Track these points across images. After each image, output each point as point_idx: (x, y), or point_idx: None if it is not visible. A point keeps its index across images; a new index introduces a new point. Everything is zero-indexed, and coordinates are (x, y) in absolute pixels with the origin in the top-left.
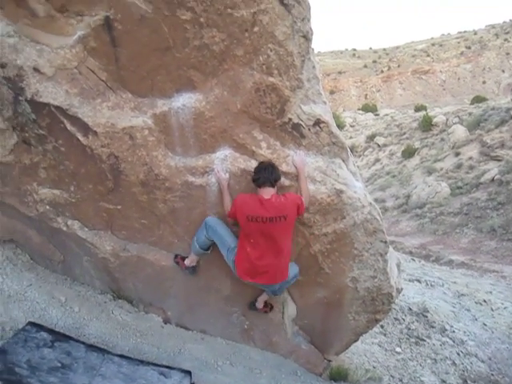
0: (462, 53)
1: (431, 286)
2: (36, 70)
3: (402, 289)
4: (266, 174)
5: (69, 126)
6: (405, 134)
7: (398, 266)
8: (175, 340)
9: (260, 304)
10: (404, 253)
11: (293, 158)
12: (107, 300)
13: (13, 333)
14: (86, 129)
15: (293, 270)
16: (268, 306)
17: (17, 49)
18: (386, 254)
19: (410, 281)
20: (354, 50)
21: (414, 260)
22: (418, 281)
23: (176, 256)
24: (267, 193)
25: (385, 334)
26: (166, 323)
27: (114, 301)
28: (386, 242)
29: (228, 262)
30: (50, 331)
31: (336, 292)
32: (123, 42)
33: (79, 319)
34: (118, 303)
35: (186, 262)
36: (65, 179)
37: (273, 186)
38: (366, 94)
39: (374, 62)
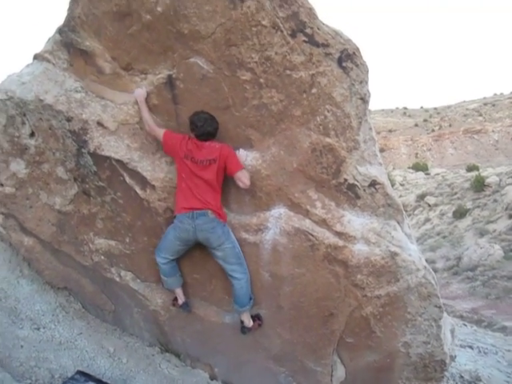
0: None
1: (484, 353)
2: (100, 124)
3: (455, 356)
4: (207, 128)
5: (128, 179)
6: (456, 193)
7: (452, 331)
8: None
9: (247, 321)
10: (455, 316)
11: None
12: (155, 353)
13: (61, 380)
14: (144, 182)
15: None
16: (256, 320)
17: (83, 104)
18: (440, 319)
19: (461, 347)
20: (405, 108)
21: (465, 325)
22: (470, 347)
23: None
24: (206, 142)
25: None
26: (212, 379)
27: (162, 354)
28: (440, 307)
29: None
30: (98, 381)
31: (387, 356)
32: (184, 100)
33: (126, 371)
34: (166, 356)
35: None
36: (121, 231)
37: (213, 136)
38: (417, 153)
39: (425, 120)
